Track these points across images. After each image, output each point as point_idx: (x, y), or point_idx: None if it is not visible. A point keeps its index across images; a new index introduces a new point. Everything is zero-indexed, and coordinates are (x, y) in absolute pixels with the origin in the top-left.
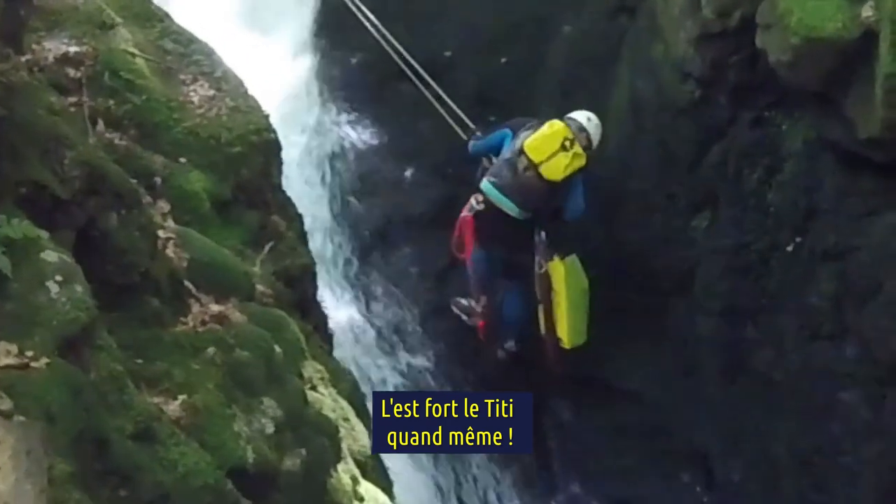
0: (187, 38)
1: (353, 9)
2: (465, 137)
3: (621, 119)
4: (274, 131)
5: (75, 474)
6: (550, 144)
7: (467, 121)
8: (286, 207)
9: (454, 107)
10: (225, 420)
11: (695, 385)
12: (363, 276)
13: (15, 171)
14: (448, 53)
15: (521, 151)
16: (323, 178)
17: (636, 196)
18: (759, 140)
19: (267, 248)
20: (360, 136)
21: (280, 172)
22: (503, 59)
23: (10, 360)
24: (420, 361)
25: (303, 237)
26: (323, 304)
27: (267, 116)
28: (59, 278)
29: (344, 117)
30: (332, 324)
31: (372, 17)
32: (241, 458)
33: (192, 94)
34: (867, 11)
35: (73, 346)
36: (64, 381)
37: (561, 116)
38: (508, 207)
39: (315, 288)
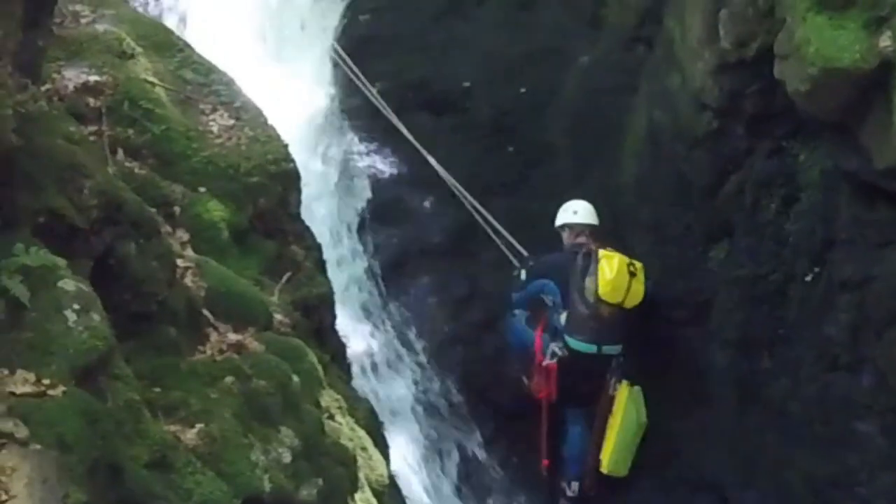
0: (207, 67)
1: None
2: (517, 265)
3: (638, 149)
4: (293, 161)
5: (90, 503)
6: (621, 282)
7: (519, 248)
8: (304, 237)
9: (506, 234)
10: (241, 449)
11: (710, 415)
12: (381, 305)
13: (33, 200)
14: (467, 84)
15: (600, 300)
16: (341, 207)
17: (652, 226)
18: (776, 170)
19: (285, 277)
20: (378, 165)
21: (299, 202)
22: (522, 90)
23: (27, 389)
24: (438, 391)
25: (321, 266)
26: (341, 334)
27: (286, 146)
28: (76, 307)
29: (363, 147)
30: (349, 353)
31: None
32: (258, 487)
33: (211, 123)
34: (885, 41)
35: (90, 375)
36: (80, 409)
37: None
38: (606, 351)
39: (333, 317)
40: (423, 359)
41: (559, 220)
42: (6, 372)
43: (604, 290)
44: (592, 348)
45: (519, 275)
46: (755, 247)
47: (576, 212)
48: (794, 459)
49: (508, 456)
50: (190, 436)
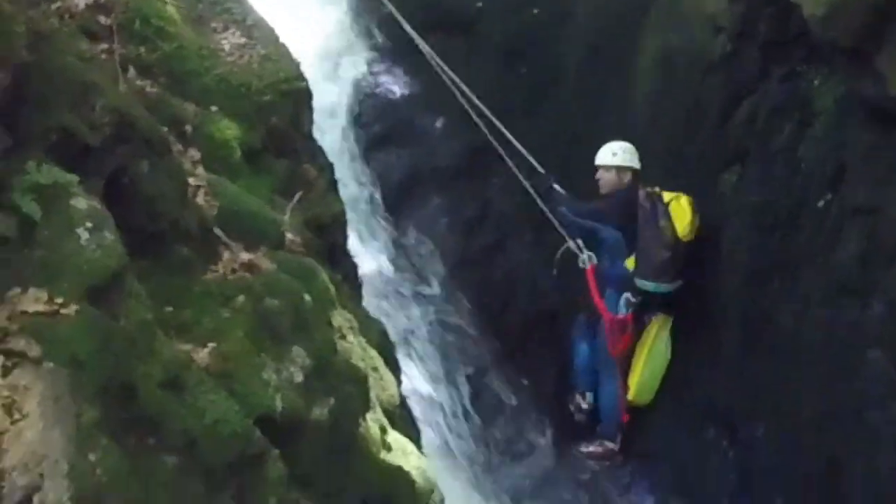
0: None
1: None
2: (541, 170)
3: (650, 73)
4: (305, 79)
5: (103, 421)
6: (693, 219)
7: (537, 165)
8: (316, 156)
9: (525, 151)
10: (254, 368)
11: (718, 341)
12: (392, 225)
13: (44, 118)
14: (479, 4)
15: (678, 241)
16: (353, 127)
17: (664, 151)
18: (789, 95)
19: (297, 196)
20: (391, 85)
21: (311, 121)
22: (535, 11)
23: (40, 307)
24: (448, 313)
25: (333, 186)
26: (352, 254)
27: (298, 65)
28: (88, 225)
29: (376, 67)
30: (361, 273)
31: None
32: (270, 406)
33: (223, 41)
34: None
35: (103, 294)
36: (93, 328)
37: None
38: (674, 288)
39: (345, 237)
40: (434, 280)
41: (602, 161)
42: (18, 290)
43: (683, 231)
44: (667, 288)
45: (551, 185)
46: (767, 173)
47: (615, 154)
48: (802, 386)
49: (518, 377)
50: (202, 355)
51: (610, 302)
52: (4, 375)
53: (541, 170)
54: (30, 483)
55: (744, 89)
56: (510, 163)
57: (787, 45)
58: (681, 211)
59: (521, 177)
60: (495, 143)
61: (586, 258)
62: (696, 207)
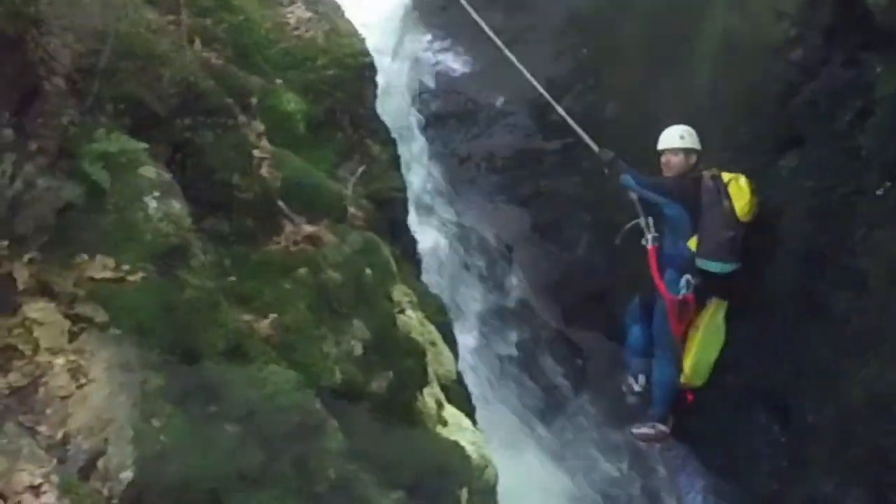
0: None
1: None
2: (596, 148)
3: (711, 57)
4: (369, 55)
5: (167, 388)
6: (754, 200)
7: (593, 144)
8: (379, 132)
9: (581, 131)
10: (314, 340)
11: (771, 323)
12: (452, 202)
13: (113, 88)
14: None
15: (738, 221)
16: (415, 104)
17: (724, 132)
18: (851, 81)
19: (360, 171)
20: (453, 63)
21: (374, 97)
22: None
23: (107, 274)
24: (506, 289)
25: (395, 161)
26: (412, 229)
27: (363, 40)
28: (156, 194)
29: (437, 45)
30: (420, 249)
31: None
32: (329, 378)
33: (288, 15)
34: None
35: (168, 262)
36: (158, 296)
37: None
38: (734, 268)
39: (406, 212)
40: (489, 257)
41: (670, 145)
42: (86, 257)
43: (742, 211)
44: (727, 268)
45: (615, 156)
46: (826, 158)
47: (683, 136)
48: (855, 372)
49: (571, 355)
50: (263, 325)
51: (671, 283)
52: (71, 340)
53: (595, 147)
54: (94, 447)
55: (804, 75)
56: (580, 131)
57: (849, 31)
58: (739, 191)
59: (590, 142)
60: (562, 113)
61: (651, 238)
62: (755, 189)
